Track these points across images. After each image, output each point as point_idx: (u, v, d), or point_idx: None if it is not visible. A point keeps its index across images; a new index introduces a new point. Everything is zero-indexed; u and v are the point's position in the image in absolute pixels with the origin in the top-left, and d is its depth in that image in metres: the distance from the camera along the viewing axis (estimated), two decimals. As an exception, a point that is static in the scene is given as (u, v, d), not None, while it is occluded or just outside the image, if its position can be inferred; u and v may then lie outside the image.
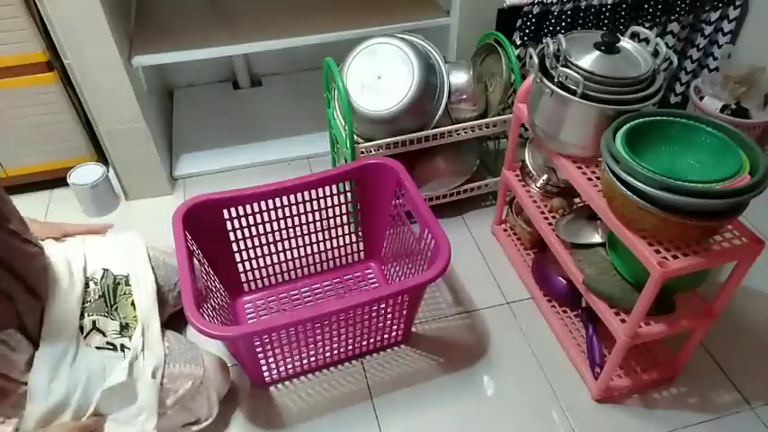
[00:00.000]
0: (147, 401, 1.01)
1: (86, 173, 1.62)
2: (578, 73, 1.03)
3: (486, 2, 1.57)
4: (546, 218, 1.33)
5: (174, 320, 1.26)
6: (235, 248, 1.34)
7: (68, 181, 1.60)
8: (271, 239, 1.37)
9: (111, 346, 1.04)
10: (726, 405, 1.22)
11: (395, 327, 1.27)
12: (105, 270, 1.15)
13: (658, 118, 1.01)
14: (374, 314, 1.18)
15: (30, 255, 0.99)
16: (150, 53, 1.53)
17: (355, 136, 1.43)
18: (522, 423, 1.20)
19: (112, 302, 1.10)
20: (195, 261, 1.17)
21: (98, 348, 1.03)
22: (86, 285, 1.10)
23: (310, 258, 1.45)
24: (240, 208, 1.28)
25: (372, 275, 1.48)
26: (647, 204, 0.90)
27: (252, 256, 1.37)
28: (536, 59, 1.11)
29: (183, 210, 1.19)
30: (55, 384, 0.95)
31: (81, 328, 1.04)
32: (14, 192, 1.69)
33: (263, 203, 1.30)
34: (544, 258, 1.41)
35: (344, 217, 1.42)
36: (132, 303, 1.12)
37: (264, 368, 1.20)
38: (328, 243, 1.44)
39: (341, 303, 1.07)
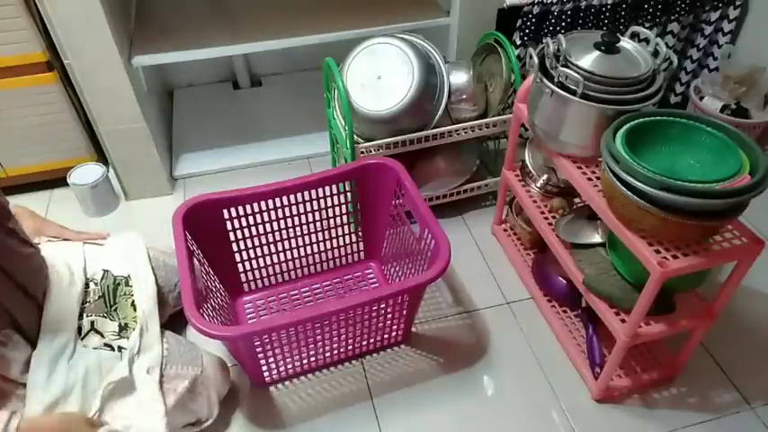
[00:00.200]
0: (149, 391, 1.01)
1: (86, 173, 1.62)
2: (578, 73, 1.03)
3: (486, 2, 1.57)
4: (546, 218, 1.33)
5: (174, 320, 1.26)
6: (235, 248, 1.34)
7: (68, 181, 1.60)
8: (271, 239, 1.37)
9: (108, 348, 1.04)
10: (726, 405, 1.22)
11: (395, 327, 1.27)
12: (105, 271, 1.15)
13: (658, 118, 1.01)
14: (374, 314, 1.18)
15: (24, 255, 0.99)
16: (150, 53, 1.53)
17: (355, 136, 1.43)
18: (522, 423, 1.20)
19: (112, 303, 1.10)
20: (195, 261, 1.17)
21: (95, 349, 1.03)
22: (86, 285, 1.10)
23: (310, 258, 1.45)
24: (240, 208, 1.28)
25: (372, 275, 1.48)
26: (647, 204, 0.90)
27: (252, 256, 1.37)
28: (536, 59, 1.11)
29: (183, 210, 1.19)
30: (53, 378, 0.96)
31: (79, 329, 1.04)
32: (14, 192, 1.69)
33: (263, 203, 1.30)
34: (544, 258, 1.41)
35: (344, 217, 1.42)
36: (132, 304, 1.12)
37: (264, 368, 1.20)
38: (328, 243, 1.44)
39: (341, 303, 1.07)
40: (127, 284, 1.14)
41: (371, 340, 1.28)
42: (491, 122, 1.49)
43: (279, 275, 1.44)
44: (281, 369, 1.23)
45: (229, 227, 1.30)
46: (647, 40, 1.10)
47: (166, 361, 1.07)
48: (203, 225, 1.23)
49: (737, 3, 1.72)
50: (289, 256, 1.41)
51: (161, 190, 1.72)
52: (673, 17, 1.70)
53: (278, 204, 1.31)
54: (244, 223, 1.31)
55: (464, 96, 1.47)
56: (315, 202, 1.35)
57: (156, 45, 1.56)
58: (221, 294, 1.30)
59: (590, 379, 1.23)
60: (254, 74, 2.18)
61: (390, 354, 1.32)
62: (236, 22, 1.69)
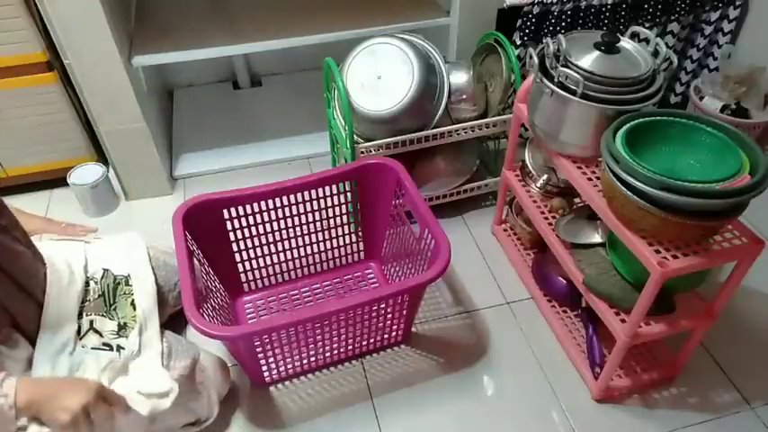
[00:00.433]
0: (150, 366, 1.02)
1: (86, 173, 1.62)
2: (578, 73, 1.03)
3: (486, 2, 1.57)
4: (546, 218, 1.33)
5: (174, 320, 1.26)
6: (235, 248, 1.34)
7: (68, 181, 1.60)
8: (271, 239, 1.37)
9: (107, 347, 1.04)
10: (726, 405, 1.22)
11: (395, 327, 1.27)
12: (105, 270, 1.15)
13: (658, 118, 1.01)
14: (374, 314, 1.18)
15: (19, 253, 0.99)
16: (150, 53, 1.53)
17: (355, 136, 1.43)
18: (522, 423, 1.20)
19: (112, 302, 1.10)
20: (195, 261, 1.17)
21: (93, 349, 1.03)
22: (86, 284, 1.10)
23: (310, 258, 1.45)
24: (240, 208, 1.28)
25: (372, 275, 1.48)
26: (647, 204, 0.90)
27: (252, 256, 1.37)
28: (536, 59, 1.11)
29: (183, 210, 1.19)
30: (57, 373, 0.96)
31: (78, 328, 1.04)
32: (14, 192, 1.69)
33: (263, 203, 1.30)
34: (544, 258, 1.41)
35: (344, 217, 1.42)
36: (132, 303, 1.12)
37: (264, 368, 1.20)
38: (328, 243, 1.44)
39: (341, 303, 1.07)
40: (127, 284, 1.14)
41: (371, 340, 1.28)
42: (491, 122, 1.49)
43: (279, 275, 1.44)
44: (281, 369, 1.23)
45: (229, 227, 1.30)
46: (647, 40, 1.10)
47: (166, 358, 1.07)
48: (203, 225, 1.23)
49: (737, 3, 1.72)
50: (289, 256, 1.41)
51: (161, 190, 1.72)
52: (673, 17, 1.70)
53: (278, 204, 1.31)
54: (244, 223, 1.31)
55: (464, 96, 1.47)
56: (315, 202, 1.35)
57: (156, 45, 1.56)
58: (221, 294, 1.30)
59: (590, 379, 1.23)
60: (254, 74, 2.18)
61: (390, 354, 1.32)
62: (235, 22, 1.69)
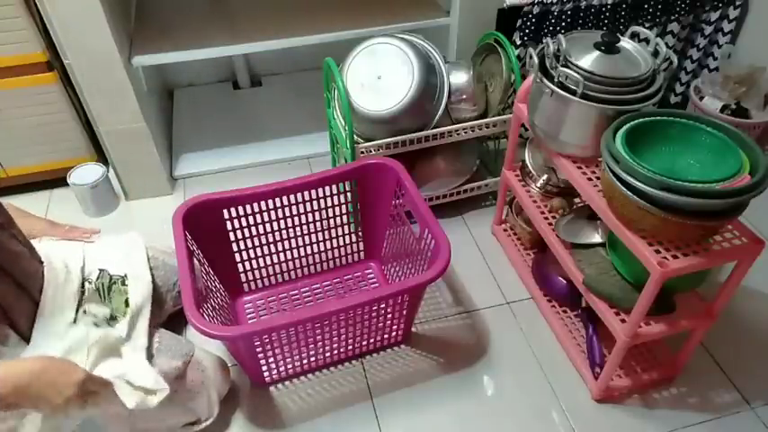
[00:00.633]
0: (137, 359, 1.02)
1: (86, 173, 1.62)
2: (578, 73, 1.03)
3: (486, 2, 1.57)
4: (546, 218, 1.33)
5: (173, 320, 1.26)
6: (235, 248, 1.34)
7: (68, 181, 1.60)
8: (271, 239, 1.37)
9: (97, 326, 1.04)
10: (726, 405, 1.22)
11: (395, 327, 1.27)
12: (101, 270, 1.14)
13: (658, 118, 1.01)
14: (374, 314, 1.18)
15: (17, 252, 0.99)
16: (150, 53, 1.54)
17: (355, 136, 1.43)
18: (522, 423, 1.20)
19: (106, 296, 1.10)
20: (195, 261, 1.17)
21: (85, 326, 1.02)
22: (82, 285, 1.10)
23: (310, 258, 1.45)
24: (240, 208, 1.28)
25: (372, 275, 1.48)
26: (647, 204, 0.90)
27: (252, 256, 1.37)
28: (536, 59, 1.11)
29: (183, 210, 1.19)
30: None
31: (74, 321, 1.03)
32: (14, 192, 1.70)
33: (263, 203, 1.30)
34: (544, 258, 1.41)
35: (344, 217, 1.42)
36: (126, 301, 1.11)
37: (264, 368, 1.20)
38: (328, 243, 1.44)
39: (341, 303, 1.07)
40: (123, 284, 1.14)
41: (371, 340, 1.28)
42: (491, 122, 1.49)
43: (279, 275, 1.44)
44: (281, 369, 1.23)
45: (229, 227, 1.30)
46: (647, 40, 1.10)
47: (155, 355, 1.07)
48: (203, 225, 1.23)
49: (737, 3, 1.72)
50: (289, 256, 1.41)
51: (161, 190, 1.72)
52: (673, 17, 1.70)
53: (278, 204, 1.31)
54: (244, 223, 1.31)
55: (464, 96, 1.47)
56: (315, 202, 1.35)
57: (156, 45, 1.56)
58: (221, 294, 1.30)
59: (590, 379, 1.23)
60: (254, 74, 2.18)
61: (390, 354, 1.32)
62: (235, 22, 1.69)
